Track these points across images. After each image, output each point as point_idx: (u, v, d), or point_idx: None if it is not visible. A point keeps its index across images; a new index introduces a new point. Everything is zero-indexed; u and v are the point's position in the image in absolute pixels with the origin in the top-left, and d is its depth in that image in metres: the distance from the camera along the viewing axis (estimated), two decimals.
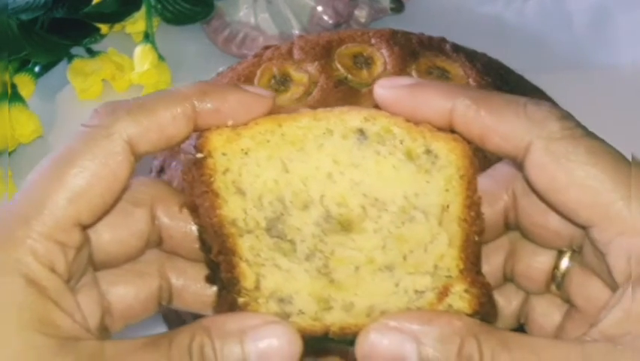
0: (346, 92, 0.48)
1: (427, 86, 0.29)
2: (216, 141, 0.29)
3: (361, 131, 0.29)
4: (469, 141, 0.29)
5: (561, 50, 0.64)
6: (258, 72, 0.50)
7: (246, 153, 0.29)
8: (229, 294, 0.30)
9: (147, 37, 0.63)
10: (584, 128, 0.28)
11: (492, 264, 0.32)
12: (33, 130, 0.60)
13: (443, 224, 0.29)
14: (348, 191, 0.29)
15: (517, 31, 0.65)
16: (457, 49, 0.52)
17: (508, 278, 0.33)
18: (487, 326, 0.28)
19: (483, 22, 0.66)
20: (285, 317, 0.30)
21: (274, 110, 0.30)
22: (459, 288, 0.30)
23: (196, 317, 0.30)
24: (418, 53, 0.50)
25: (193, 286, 0.33)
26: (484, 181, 0.30)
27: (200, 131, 0.29)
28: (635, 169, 0.28)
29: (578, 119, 0.29)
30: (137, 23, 0.65)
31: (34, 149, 0.60)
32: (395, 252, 0.30)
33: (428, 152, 0.29)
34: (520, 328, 0.33)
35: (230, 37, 0.65)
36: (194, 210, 0.30)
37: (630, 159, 0.28)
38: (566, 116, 0.28)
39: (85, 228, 0.29)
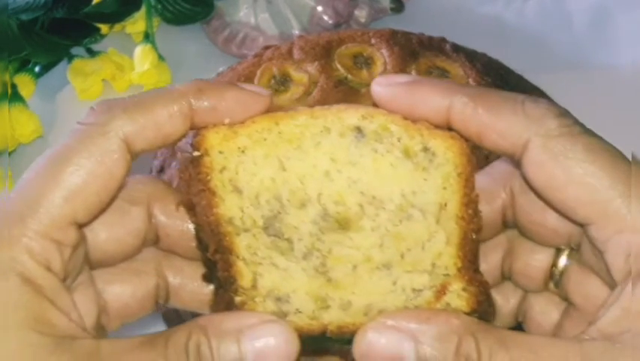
0: (346, 92, 0.48)
1: (424, 83, 0.29)
2: (213, 139, 0.29)
3: (359, 129, 0.29)
4: (466, 139, 0.29)
5: (561, 50, 0.64)
6: (258, 72, 0.50)
7: (243, 152, 0.29)
8: (226, 293, 0.30)
9: (147, 37, 0.64)
10: (581, 125, 0.28)
11: (490, 262, 0.32)
12: (33, 130, 0.60)
13: (441, 222, 0.29)
14: (346, 189, 0.29)
15: (517, 31, 0.65)
16: (457, 49, 0.52)
17: (506, 276, 0.33)
18: (485, 324, 0.28)
19: (483, 22, 0.66)
20: (282, 316, 0.30)
21: (272, 110, 0.30)
22: (457, 286, 0.29)
23: (195, 316, 0.30)
24: (418, 53, 0.50)
25: (190, 285, 0.32)
26: (481, 179, 0.30)
27: (196, 129, 0.29)
28: (635, 168, 0.27)
29: (578, 119, 0.29)
30: (137, 23, 0.65)
31: (34, 149, 0.60)
32: (393, 250, 0.29)
33: (426, 150, 0.29)
34: (519, 326, 0.33)
35: (230, 38, 0.65)
36: (190, 209, 0.30)
37: (630, 159, 0.28)
38: (564, 114, 0.28)
39: (81, 226, 0.29)
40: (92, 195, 0.28)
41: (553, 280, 0.32)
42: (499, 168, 0.32)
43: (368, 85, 0.49)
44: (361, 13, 0.65)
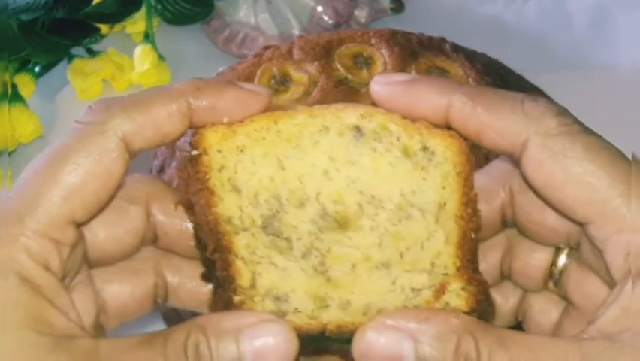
0: (346, 92, 0.48)
1: (423, 82, 0.29)
2: (212, 138, 0.29)
3: (357, 128, 0.29)
4: (465, 138, 0.29)
5: (561, 50, 0.64)
6: (258, 72, 0.50)
7: (242, 151, 0.29)
8: (225, 292, 0.30)
9: (147, 37, 0.64)
10: (581, 124, 0.28)
11: (489, 261, 0.32)
12: (33, 130, 0.60)
13: (440, 221, 0.29)
14: (345, 188, 0.29)
15: (517, 31, 0.65)
16: (457, 49, 0.52)
17: (505, 276, 0.33)
18: (485, 323, 0.28)
19: (483, 22, 0.66)
20: (281, 315, 0.30)
21: (272, 109, 0.30)
22: (456, 286, 0.29)
23: (195, 315, 0.30)
24: (417, 53, 0.50)
25: (189, 284, 0.32)
26: (480, 178, 0.30)
27: (195, 128, 0.29)
28: (635, 167, 0.27)
29: (577, 118, 0.29)
30: (137, 23, 0.65)
31: (34, 149, 0.60)
32: (392, 249, 0.29)
33: (425, 149, 0.29)
34: (518, 326, 0.33)
35: (230, 38, 0.65)
36: (189, 208, 0.30)
37: (630, 159, 0.28)
38: (563, 113, 0.28)
39: (79, 225, 0.29)
40: (90, 194, 0.28)
41: (553, 279, 0.31)
42: (498, 167, 0.32)
43: (368, 85, 0.49)
44: (361, 13, 0.65)
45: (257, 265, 0.30)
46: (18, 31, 0.60)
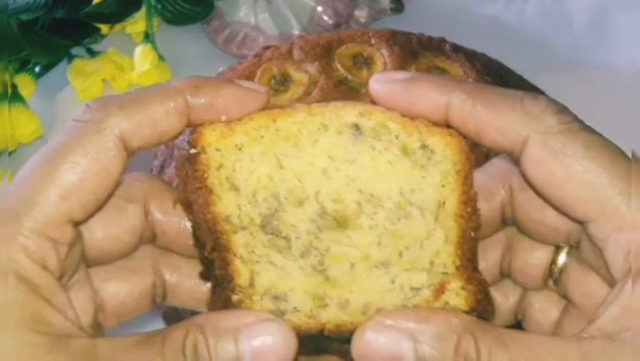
0: (346, 93, 0.48)
1: (422, 80, 0.29)
2: (210, 137, 0.29)
3: (356, 127, 0.29)
4: (465, 136, 0.29)
5: (561, 50, 0.64)
6: (258, 72, 0.50)
7: (240, 149, 0.29)
8: (223, 291, 0.30)
9: (147, 37, 0.64)
10: (581, 122, 0.28)
11: (489, 260, 0.32)
12: (33, 130, 0.60)
13: (439, 220, 0.29)
14: (344, 187, 0.29)
15: (517, 31, 0.65)
16: (457, 49, 0.52)
17: (505, 274, 0.33)
18: (484, 323, 0.28)
19: (483, 22, 0.66)
20: (279, 314, 0.29)
21: (271, 109, 0.30)
22: (455, 285, 0.29)
23: (194, 314, 0.29)
24: (417, 53, 0.50)
25: (187, 283, 0.32)
26: (480, 176, 0.30)
27: (193, 126, 0.29)
28: (635, 165, 0.27)
29: (577, 116, 0.29)
30: (137, 23, 0.65)
31: (34, 149, 0.59)
32: (391, 248, 0.29)
33: (424, 147, 0.29)
34: (518, 324, 0.33)
35: (231, 38, 0.65)
36: (188, 207, 0.30)
37: (630, 157, 0.28)
38: (563, 111, 0.28)
39: (77, 224, 0.29)
40: (88, 192, 0.28)
41: (553, 277, 0.31)
42: (497, 165, 0.32)
43: (368, 85, 0.49)
44: (361, 13, 0.65)
45: (255, 264, 0.30)
46: (18, 31, 0.60)
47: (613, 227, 0.27)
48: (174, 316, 0.48)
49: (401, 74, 0.29)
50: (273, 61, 0.51)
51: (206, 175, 0.29)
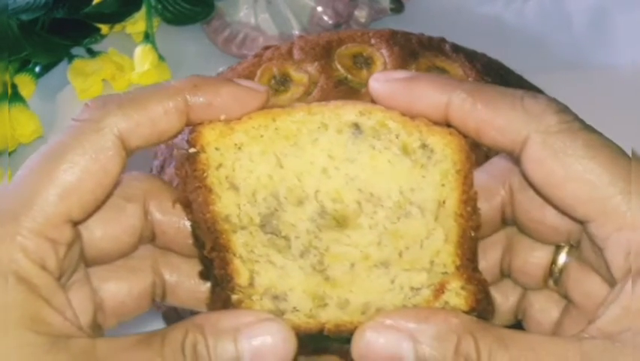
0: (346, 93, 0.48)
1: (422, 79, 0.29)
2: (209, 136, 0.29)
3: (356, 126, 0.29)
4: (465, 135, 0.29)
5: (560, 50, 0.64)
6: (258, 72, 0.50)
7: (240, 148, 0.29)
8: (223, 291, 0.30)
9: (147, 37, 0.64)
10: (581, 121, 0.28)
11: (489, 260, 0.32)
12: (33, 130, 0.60)
13: (439, 220, 0.29)
14: (343, 186, 0.29)
15: (517, 31, 0.65)
16: (457, 49, 0.52)
17: (505, 274, 0.33)
18: (484, 323, 0.28)
19: (483, 22, 0.66)
20: (279, 314, 0.29)
21: (270, 108, 0.29)
22: (455, 285, 0.29)
23: (194, 314, 0.29)
24: (417, 53, 0.50)
25: (187, 283, 0.32)
26: (480, 176, 0.30)
27: (192, 125, 0.29)
28: (635, 164, 0.27)
29: (577, 115, 0.28)
30: (137, 23, 0.65)
31: (34, 149, 0.59)
32: (390, 248, 0.29)
33: (424, 146, 0.29)
34: (518, 324, 0.33)
35: (231, 38, 0.65)
36: (187, 206, 0.30)
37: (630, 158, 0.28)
38: (564, 110, 0.28)
39: (76, 224, 0.28)
40: (86, 192, 0.28)
41: (553, 277, 0.31)
42: (497, 164, 0.32)
43: (368, 85, 0.49)
44: (361, 14, 0.65)
45: (255, 263, 0.29)
46: (18, 32, 0.60)
47: (613, 227, 0.27)
48: (174, 316, 0.48)
49: (401, 73, 0.29)
50: (273, 61, 0.50)
51: (205, 174, 0.29)
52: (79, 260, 0.30)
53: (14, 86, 0.61)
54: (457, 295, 0.29)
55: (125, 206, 0.31)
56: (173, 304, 0.33)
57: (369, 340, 0.28)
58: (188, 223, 0.31)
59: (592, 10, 0.66)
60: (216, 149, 0.29)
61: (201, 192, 0.29)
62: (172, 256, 0.32)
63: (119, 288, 0.31)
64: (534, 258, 0.31)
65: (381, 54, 0.50)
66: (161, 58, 0.63)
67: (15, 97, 0.61)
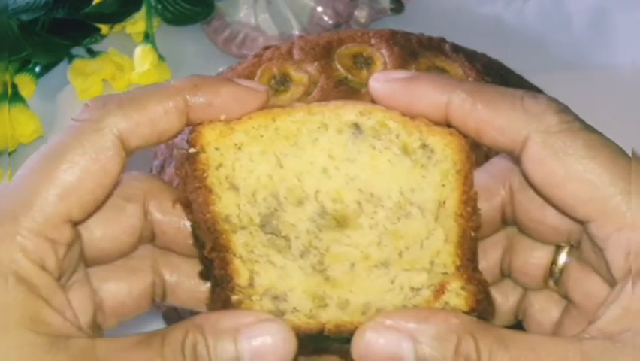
0: (346, 93, 0.48)
1: (422, 79, 0.29)
2: (209, 136, 0.29)
3: (356, 126, 0.29)
4: (465, 135, 0.29)
5: (560, 50, 0.64)
6: (258, 72, 0.50)
7: (240, 148, 0.29)
8: (222, 291, 0.30)
9: (147, 37, 0.64)
10: (582, 121, 0.28)
11: (489, 260, 0.32)
12: (33, 130, 0.60)
13: (439, 220, 0.29)
14: (344, 186, 0.29)
15: (517, 31, 0.65)
16: (457, 49, 0.52)
17: (505, 274, 0.33)
18: (484, 323, 0.28)
19: (483, 22, 0.66)
20: (279, 314, 0.29)
21: (270, 108, 0.29)
22: (455, 285, 0.29)
23: (194, 314, 0.29)
24: (417, 54, 0.50)
25: (187, 283, 0.32)
26: (480, 176, 0.30)
27: (192, 125, 0.29)
28: (635, 164, 0.27)
29: (578, 115, 0.28)
30: (137, 24, 0.65)
31: (34, 149, 0.59)
32: (391, 248, 0.29)
33: (424, 146, 0.29)
34: (518, 324, 0.33)
35: (231, 38, 0.65)
36: (187, 206, 0.30)
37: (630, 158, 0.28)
38: (564, 110, 0.28)
39: (75, 224, 0.28)
40: (86, 192, 0.28)
41: (553, 277, 0.31)
42: (498, 164, 0.32)
43: (368, 85, 0.49)
44: (361, 14, 0.65)
45: (255, 263, 0.29)
46: (18, 32, 0.60)
47: (613, 227, 0.27)
48: (174, 316, 0.48)
49: (401, 73, 0.29)
50: (273, 61, 0.50)
51: (205, 174, 0.29)
52: (79, 260, 0.30)
53: (14, 86, 0.61)
54: (457, 295, 0.29)
55: (124, 206, 0.31)
56: (173, 304, 0.33)
57: (370, 340, 0.28)
58: (188, 223, 0.31)
59: (592, 10, 0.66)
60: (216, 149, 0.29)
61: (201, 192, 0.29)
62: (172, 256, 0.32)
63: (118, 288, 0.31)
64: (534, 258, 0.31)
65: (381, 54, 0.50)
66: (161, 58, 0.63)
67: (15, 97, 0.61)
